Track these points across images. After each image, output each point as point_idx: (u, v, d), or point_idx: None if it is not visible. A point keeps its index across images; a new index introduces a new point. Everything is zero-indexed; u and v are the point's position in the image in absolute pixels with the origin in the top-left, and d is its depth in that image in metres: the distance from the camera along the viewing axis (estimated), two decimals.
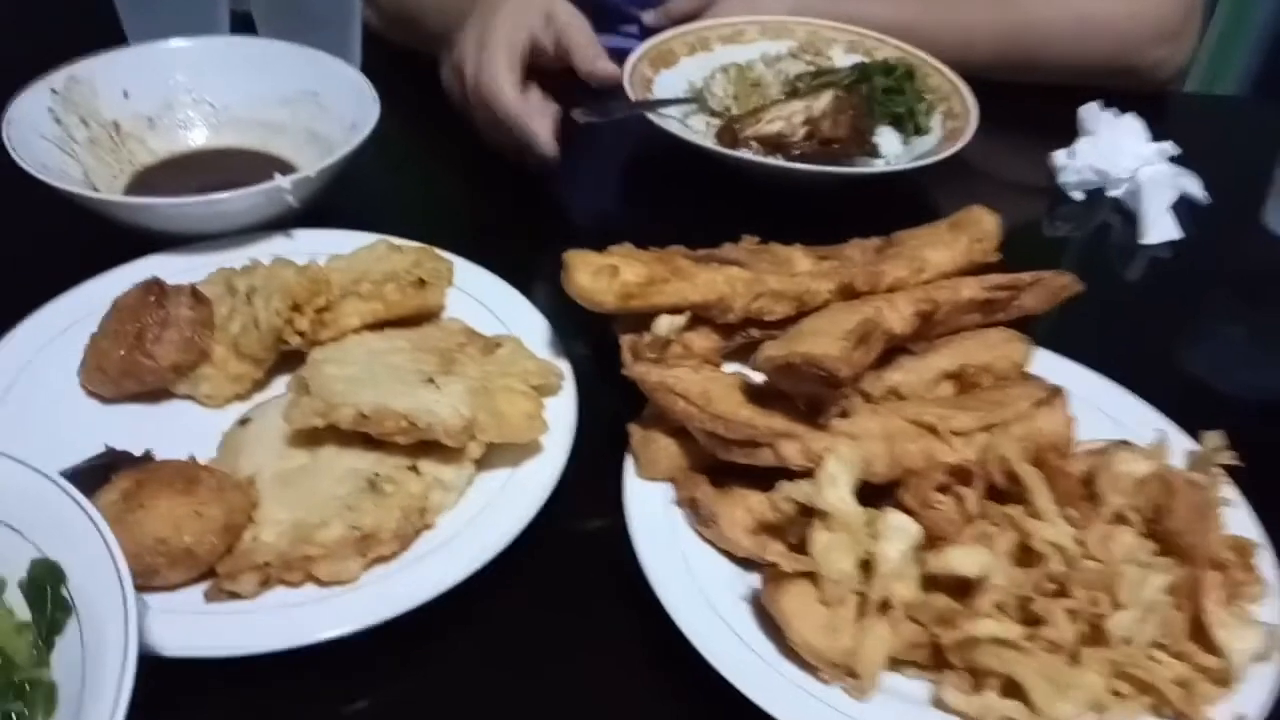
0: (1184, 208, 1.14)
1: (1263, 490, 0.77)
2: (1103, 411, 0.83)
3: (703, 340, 0.81)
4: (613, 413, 0.80)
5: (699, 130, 1.15)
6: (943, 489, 0.69)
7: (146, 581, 0.66)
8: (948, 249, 0.85)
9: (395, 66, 1.09)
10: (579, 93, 1.08)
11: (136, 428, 0.79)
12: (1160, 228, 1.12)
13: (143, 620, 0.64)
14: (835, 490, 0.66)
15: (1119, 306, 1.05)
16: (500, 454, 0.76)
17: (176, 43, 1.08)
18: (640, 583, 0.70)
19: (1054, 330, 0.87)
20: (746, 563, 0.72)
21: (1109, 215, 1.17)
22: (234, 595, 0.67)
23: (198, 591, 0.68)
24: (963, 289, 0.80)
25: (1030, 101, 1.27)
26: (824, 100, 1.07)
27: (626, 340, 0.78)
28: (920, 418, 0.72)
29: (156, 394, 0.82)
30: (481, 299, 0.90)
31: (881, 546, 0.65)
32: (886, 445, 0.70)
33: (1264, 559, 0.72)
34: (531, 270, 0.93)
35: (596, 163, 1.19)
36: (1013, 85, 1.28)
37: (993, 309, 0.83)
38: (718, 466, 0.74)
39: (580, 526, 0.78)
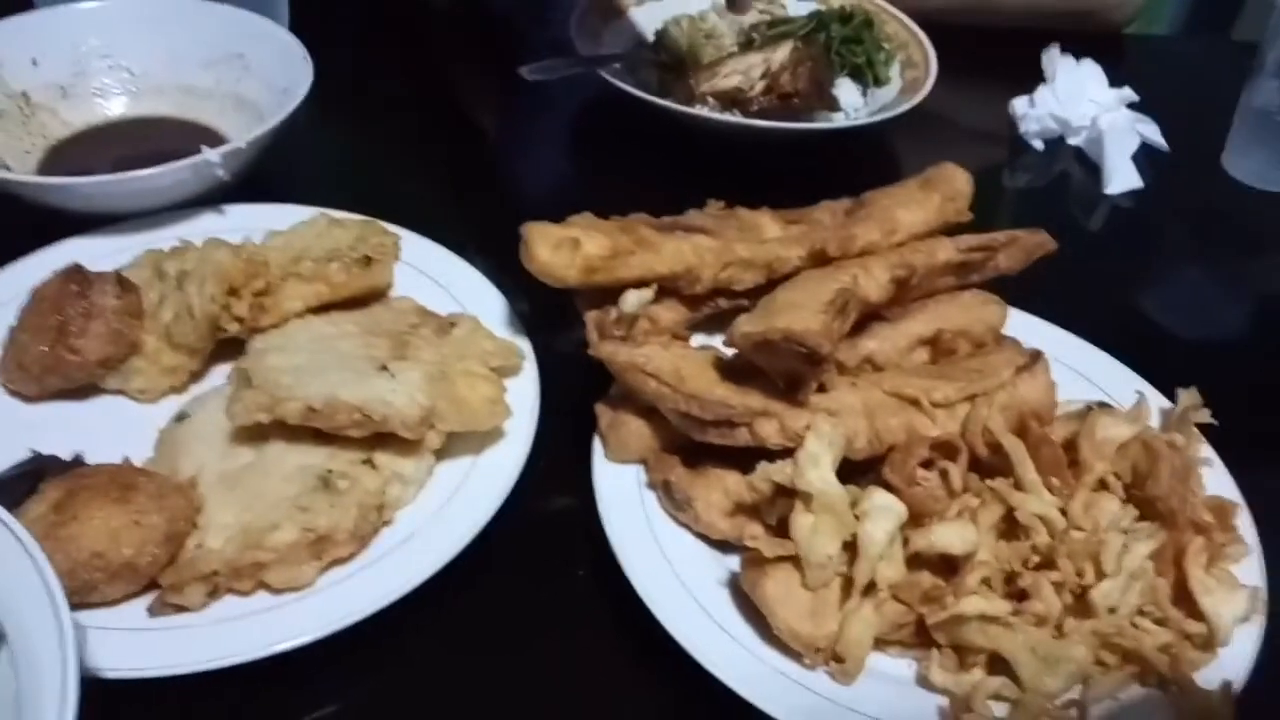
0: (1144, 154, 1.13)
1: (1236, 441, 0.76)
2: (1077, 371, 0.82)
3: (669, 313, 0.78)
4: (578, 392, 0.76)
5: (652, 85, 1.10)
6: (926, 464, 0.67)
7: (83, 599, 0.62)
8: (920, 209, 0.82)
9: (327, 24, 1.03)
10: (525, 50, 1.03)
11: (64, 429, 0.73)
12: (1122, 177, 1.10)
13: (81, 642, 0.60)
14: (817, 470, 0.63)
15: (1085, 259, 1.03)
16: (461, 442, 0.72)
17: (88, 4, 1.00)
18: (614, 571, 0.67)
19: (1021, 286, 0.85)
20: (724, 545, 0.70)
21: (1070, 164, 1.16)
22: (180, 608, 0.63)
23: (140, 606, 0.63)
24: (938, 252, 0.78)
25: (988, 48, 1.24)
26: (782, 52, 1.03)
27: (592, 317, 0.75)
28: (901, 390, 0.70)
29: (84, 390, 0.76)
30: (433, 275, 0.85)
31: (866, 528, 0.63)
32: (867, 420, 0.68)
33: (1242, 518, 0.72)
34: (485, 242, 0.88)
35: (548, 124, 1.14)
36: (970, 30, 1.24)
37: (967, 271, 0.81)
38: (691, 447, 0.71)
39: (549, 515, 0.74)
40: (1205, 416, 0.76)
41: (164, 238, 0.84)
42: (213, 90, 1.01)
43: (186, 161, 0.84)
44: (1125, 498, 0.70)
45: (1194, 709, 0.61)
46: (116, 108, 1.01)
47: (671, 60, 1.12)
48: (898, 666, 0.66)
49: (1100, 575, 0.65)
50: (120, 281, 0.76)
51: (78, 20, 1.00)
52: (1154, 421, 0.77)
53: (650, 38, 1.17)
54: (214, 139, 0.92)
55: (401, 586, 0.64)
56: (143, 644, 0.61)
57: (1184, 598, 0.66)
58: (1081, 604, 0.65)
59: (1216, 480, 0.74)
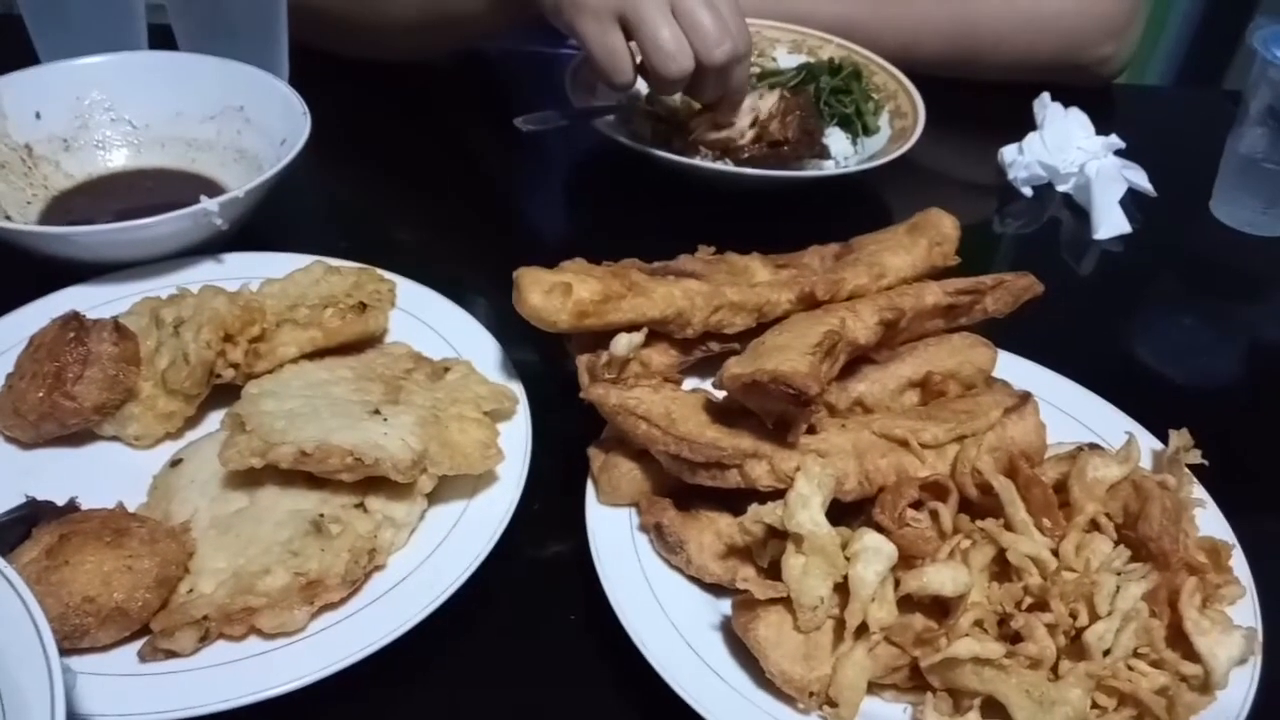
0: (1132, 200, 1.14)
1: (1229, 482, 0.76)
2: (1066, 413, 0.82)
3: (661, 356, 0.78)
4: (570, 436, 0.76)
5: (645, 135, 1.12)
6: (916, 505, 0.67)
7: (74, 644, 0.62)
8: (907, 253, 0.83)
9: (325, 77, 1.05)
10: (520, 102, 1.05)
11: (59, 474, 0.73)
12: (1111, 222, 1.12)
13: (71, 688, 0.59)
14: (807, 511, 0.64)
15: (1074, 302, 1.04)
16: (453, 486, 0.72)
17: (91, 59, 1.02)
18: (607, 614, 0.67)
19: (1011, 330, 0.86)
20: (716, 589, 0.69)
21: (1059, 210, 1.17)
22: (171, 654, 0.62)
23: (131, 651, 0.63)
24: (926, 295, 0.78)
25: (976, 98, 1.27)
26: (770, 100, 1.05)
27: (583, 361, 0.75)
28: (890, 431, 0.70)
29: (80, 436, 0.76)
30: (427, 321, 0.86)
31: (857, 569, 0.63)
32: (857, 461, 0.68)
33: (1237, 559, 0.72)
34: (479, 288, 0.90)
35: (541, 173, 1.15)
36: (958, 82, 1.27)
37: (956, 314, 0.81)
38: (683, 489, 0.71)
39: (541, 558, 0.74)
40: (1196, 457, 0.76)
41: (163, 285, 0.85)
42: (213, 142, 1.03)
43: (185, 211, 0.86)
44: (1117, 539, 0.70)
45: None
46: (118, 159, 1.03)
47: (665, 112, 1.14)
48: (892, 711, 0.65)
49: (1094, 616, 0.65)
50: (117, 328, 0.77)
51: (81, 74, 1.01)
52: (1145, 462, 0.77)
53: (644, 89, 1.19)
54: (214, 190, 0.93)
55: (393, 631, 0.64)
56: (133, 689, 0.61)
57: (1179, 639, 0.66)
58: (1076, 646, 0.65)
59: (1210, 521, 0.75)
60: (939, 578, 0.64)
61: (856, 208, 1.11)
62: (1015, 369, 0.84)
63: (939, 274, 0.85)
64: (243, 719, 0.60)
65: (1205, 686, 0.65)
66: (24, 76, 1.00)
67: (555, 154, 1.16)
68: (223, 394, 0.78)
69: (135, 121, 1.03)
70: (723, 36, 0.95)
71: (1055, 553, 0.67)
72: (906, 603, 0.65)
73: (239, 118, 1.02)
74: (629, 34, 0.95)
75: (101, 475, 0.74)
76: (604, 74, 0.97)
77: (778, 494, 0.66)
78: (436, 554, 0.69)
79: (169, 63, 1.05)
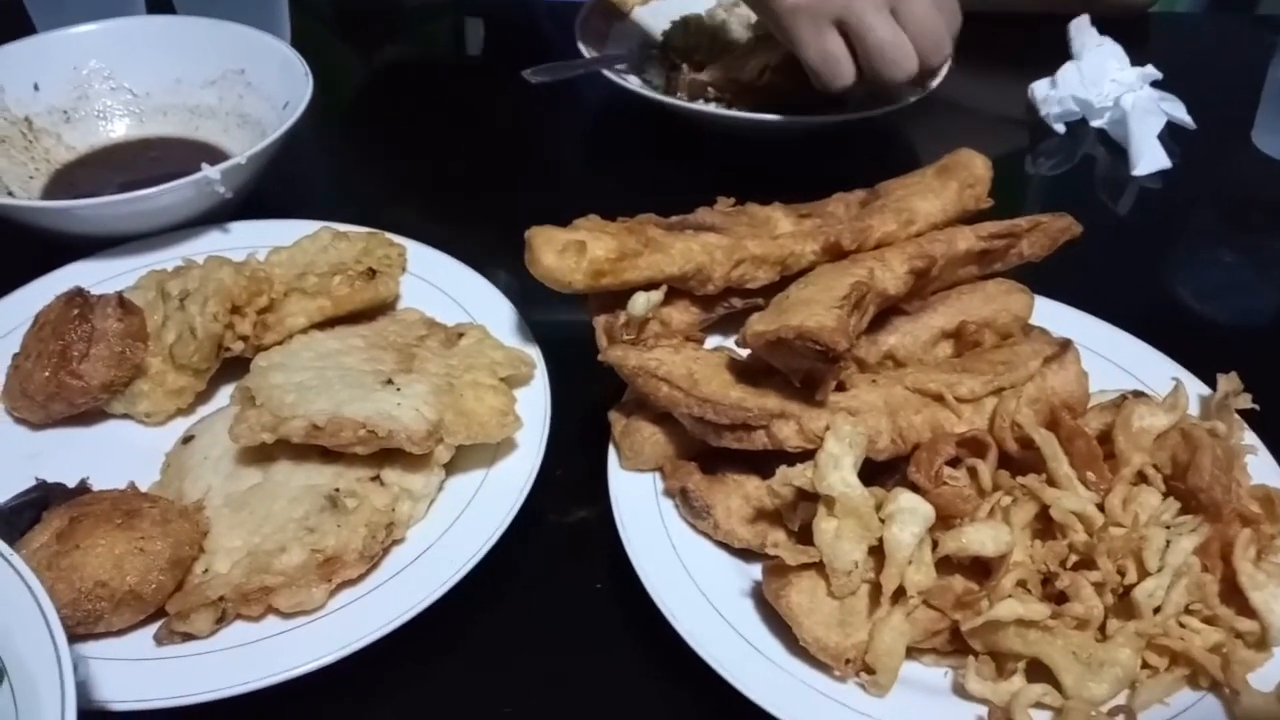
0: (1170, 134, 1.09)
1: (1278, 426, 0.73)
2: (1109, 360, 0.79)
3: (681, 314, 0.75)
4: (591, 400, 0.74)
5: (658, 85, 1.08)
6: (953, 462, 0.64)
7: (89, 629, 0.60)
8: (937, 197, 0.79)
9: (326, 37, 1.01)
10: (528, 54, 1.01)
11: (69, 455, 0.72)
12: (1150, 157, 1.07)
13: (85, 673, 0.58)
14: (838, 472, 0.61)
15: (1114, 243, 1.00)
16: (471, 455, 0.70)
17: (87, 27, 1.00)
18: (634, 582, 0.64)
19: (1047, 273, 0.82)
20: (745, 554, 0.67)
21: (1093, 147, 1.12)
22: (188, 636, 0.61)
23: (147, 635, 0.62)
24: (958, 241, 0.75)
25: (1005, 33, 1.21)
26: (780, 50, 1.00)
27: (601, 322, 0.72)
28: (924, 386, 0.67)
29: (90, 416, 0.75)
30: (440, 285, 0.83)
31: (893, 531, 0.60)
32: (890, 419, 0.65)
33: None
34: (492, 250, 0.86)
35: (552, 127, 1.12)
36: (986, 15, 1.21)
37: (990, 260, 0.78)
38: (708, 452, 0.68)
39: (564, 527, 0.72)
40: (1246, 402, 0.72)
41: (168, 258, 0.83)
42: (216, 108, 1.00)
43: (187, 179, 0.83)
44: (1165, 490, 0.66)
45: (1250, 713, 0.58)
46: (120, 129, 1.00)
47: (680, 59, 1.10)
48: (932, 676, 0.63)
49: (1143, 573, 0.62)
50: (122, 303, 0.75)
51: (78, 43, 0.99)
52: (1193, 409, 0.73)
53: (658, 37, 1.15)
54: (219, 157, 0.91)
55: (415, 606, 0.62)
56: (150, 674, 0.59)
57: (1233, 594, 0.63)
58: (1124, 604, 0.62)
59: (1263, 468, 0.71)
60: (979, 537, 0.61)
61: (882, 151, 1.07)
62: (1054, 315, 0.80)
63: (971, 218, 0.81)
64: (263, 701, 0.59)
65: (1262, 643, 0.62)
66: (20, 47, 0.98)
67: (565, 106, 1.13)
68: (235, 367, 0.76)
69: (135, 90, 1.01)
70: (944, 36, 0.92)
71: (1101, 508, 0.64)
72: (945, 564, 0.63)
73: (240, 81, 0.99)
74: (847, 37, 0.91)
75: (113, 455, 0.72)
76: (821, 80, 0.94)
77: (807, 455, 0.63)
78: (457, 525, 0.67)
79: (167, 27, 1.02)
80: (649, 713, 0.64)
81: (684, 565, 0.65)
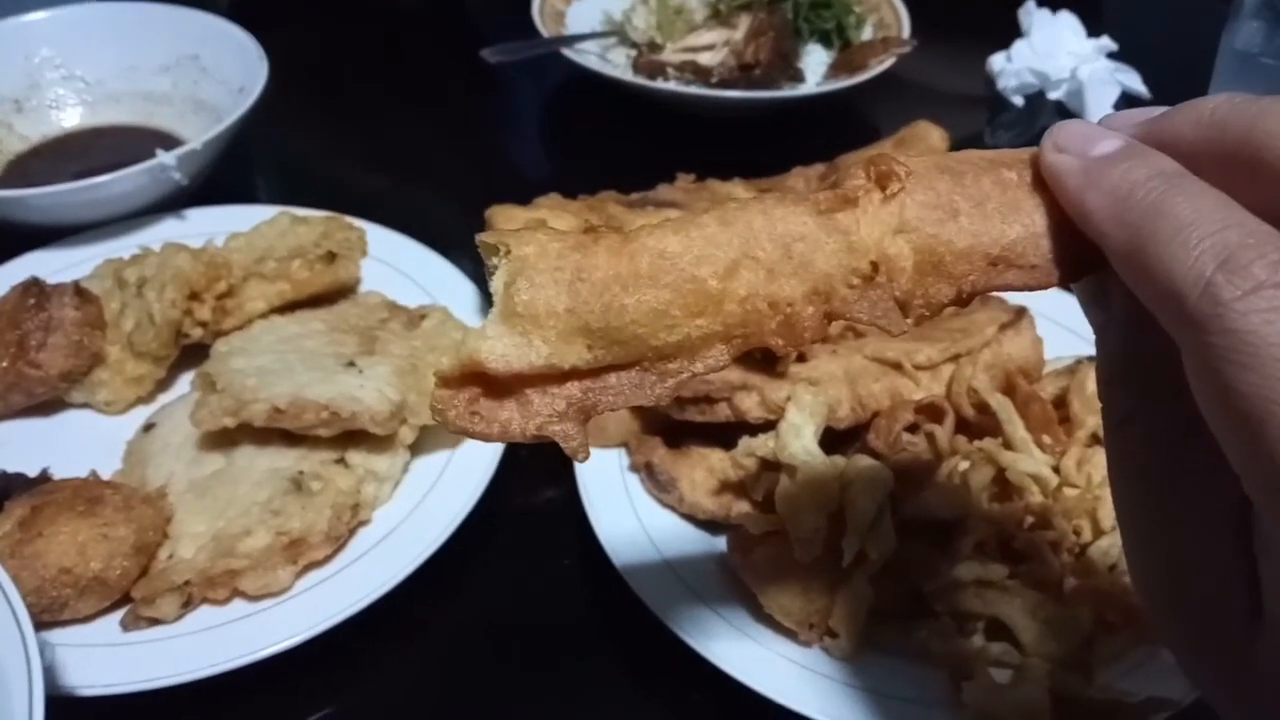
0: (1125, 104, 1.11)
1: None
2: (1063, 326, 0.80)
3: None
4: None
5: (619, 65, 1.08)
6: (912, 428, 0.65)
7: (54, 616, 0.60)
8: None
9: (273, 18, 1.00)
10: (485, 30, 1.01)
11: (30, 446, 0.71)
12: None
13: (52, 660, 0.58)
14: (800, 441, 0.62)
15: None
16: (436, 436, 0.70)
17: (36, 15, 0.98)
18: (602, 557, 0.65)
19: None
20: (711, 526, 0.68)
21: (1051, 119, 1.13)
22: (154, 621, 0.61)
23: (114, 621, 0.62)
24: None
25: (962, 7, 1.22)
26: (744, 24, 1.01)
27: None
28: (883, 354, 0.68)
29: (50, 406, 0.74)
30: (401, 267, 0.83)
31: (853, 498, 0.61)
32: (849, 387, 0.66)
33: None
34: (452, 231, 0.86)
35: (512, 107, 1.11)
36: None
37: None
38: (672, 426, 0.69)
39: (531, 504, 0.73)
40: None
41: (125, 246, 0.82)
42: (170, 95, 0.99)
43: (142, 166, 0.82)
44: None
45: None
46: (73, 118, 0.99)
47: (640, 38, 1.10)
48: (896, 638, 0.64)
49: (1098, 532, 0.64)
50: (79, 292, 0.74)
51: (28, 32, 0.98)
52: None
53: (617, 17, 1.15)
54: (174, 144, 0.90)
55: (382, 585, 0.62)
56: (117, 659, 0.59)
57: None
58: (1081, 563, 0.63)
59: None
60: (938, 502, 0.62)
61: (842, 127, 1.08)
62: None
63: None
64: (232, 684, 0.59)
65: None
66: None
67: (525, 87, 1.12)
68: (194, 354, 0.75)
69: (88, 78, 0.99)
70: None
71: (1056, 470, 0.65)
72: (906, 528, 0.63)
73: (194, 67, 0.98)
74: None
75: (74, 444, 0.72)
76: None
77: (769, 425, 0.64)
78: (422, 506, 0.67)
79: (120, 13, 1.00)
80: (620, 686, 0.64)
81: (650, 538, 0.66)
